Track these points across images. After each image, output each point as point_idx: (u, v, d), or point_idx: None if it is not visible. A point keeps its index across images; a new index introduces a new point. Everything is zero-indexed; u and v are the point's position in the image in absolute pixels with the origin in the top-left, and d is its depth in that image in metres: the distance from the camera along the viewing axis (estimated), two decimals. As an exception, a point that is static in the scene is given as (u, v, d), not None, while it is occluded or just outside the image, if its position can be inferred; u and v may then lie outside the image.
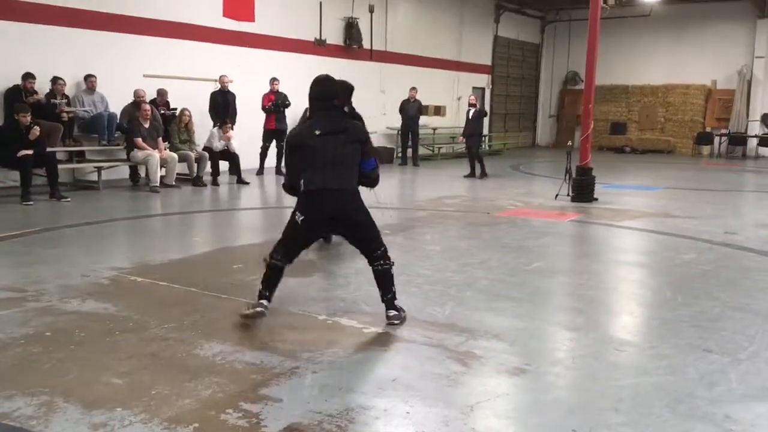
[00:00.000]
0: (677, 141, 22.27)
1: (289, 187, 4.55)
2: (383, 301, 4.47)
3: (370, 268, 4.48)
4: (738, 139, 21.01)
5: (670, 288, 5.51)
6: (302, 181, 4.33)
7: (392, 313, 4.42)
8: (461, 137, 14.32)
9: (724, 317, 4.72)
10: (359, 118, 5.63)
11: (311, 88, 4.53)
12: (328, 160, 4.29)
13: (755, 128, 21.02)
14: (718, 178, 15.26)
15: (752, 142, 20.98)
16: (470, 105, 14.19)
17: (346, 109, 5.05)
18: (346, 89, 5.54)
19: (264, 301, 4.39)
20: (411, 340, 4.10)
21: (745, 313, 4.81)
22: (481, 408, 3.24)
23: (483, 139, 14.70)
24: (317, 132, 4.32)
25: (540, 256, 6.68)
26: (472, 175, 13.78)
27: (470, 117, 13.99)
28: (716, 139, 21.35)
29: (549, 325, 4.61)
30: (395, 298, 4.47)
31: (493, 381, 3.58)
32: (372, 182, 4.60)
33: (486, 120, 14.93)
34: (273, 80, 13.30)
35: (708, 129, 21.91)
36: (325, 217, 4.37)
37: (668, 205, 10.33)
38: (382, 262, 4.44)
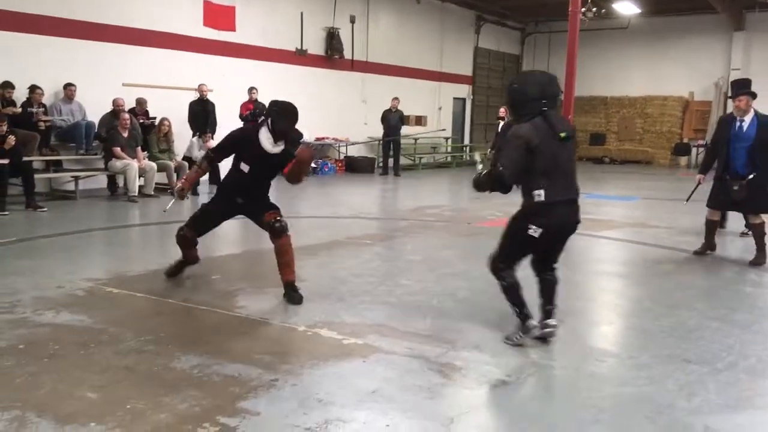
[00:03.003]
0: (655, 152, 22.51)
1: (501, 185, 4.06)
2: (543, 311, 4.30)
3: (539, 277, 4.36)
4: (715, 150, 21.23)
5: (650, 298, 5.53)
6: (541, 190, 3.97)
7: (552, 322, 4.29)
8: (490, 150, 13.87)
9: (703, 327, 4.74)
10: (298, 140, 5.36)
11: (532, 82, 4.10)
12: (568, 168, 4.08)
13: (732, 139, 21.29)
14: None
15: (729, 153, 21.26)
16: (499, 118, 13.99)
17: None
18: (291, 113, 5.14)
19: (531, 321, 4.23)
20: (391, 352, 4.07)
21: (722, 323, 4.84)
22: (462, 420, 3.21)
23: None
24: (562, 134, 3.97)
25: (520, 267, 6.68)
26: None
27: (500, 130, 13.69)
28: (693, 150, 21.62)
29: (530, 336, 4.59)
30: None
31: (474, 393, 3.56)
32: None
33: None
34: (251, 90, 13.26)
35: (685, 140, 22.17)
36: (566, 230, 4.17)
37: (646, 215, 10.41)
38: (552, 272, 4.34)
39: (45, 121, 10.32)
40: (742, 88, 6.71)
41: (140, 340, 4.17)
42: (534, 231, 4.05)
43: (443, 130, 19.94)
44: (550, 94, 4.05)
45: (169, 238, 8.38)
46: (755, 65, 20.89)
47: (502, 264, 4.28)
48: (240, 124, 13.16)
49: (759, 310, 5.30)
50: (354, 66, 17.26)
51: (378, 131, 16.71)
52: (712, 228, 7.25)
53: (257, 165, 5.12)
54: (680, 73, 21.86)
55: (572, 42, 10.63)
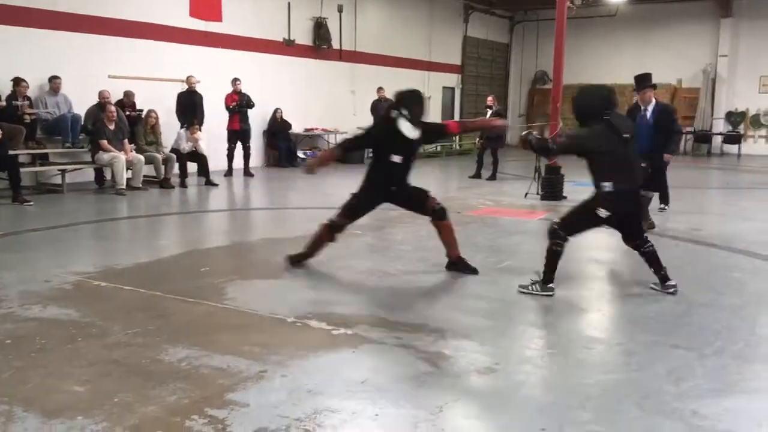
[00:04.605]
0: (644, 139, 22.54)
1: (545, 153, 5.50)
2: (659, 277, 5.15)
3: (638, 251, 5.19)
4: (703, 137, 21.34)
5: (638, 285, 5.55)
6: (609, 182, 4.85)
7: (672, 282, 5.14)
8: (479, 140, 14.12)
9: (691, 313, 4.76)
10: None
11: (594, 96, 5.10)
12: (631, 162, 4.99)
13: (720, 126, 21.40)
14: (683, 175, 15.46)
15: (717, 140, 21.35)
16: (487, 107, 14.13)
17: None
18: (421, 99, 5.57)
19: (552, 286, 5.03)
20: (380, 342, 4.07)
21: (710, 309, 4.87)
22: (451, 408, 3.22)
23: (503, 141, 14.14)
24: (625, 136, 4.89)
25: (510, 255, 6.70)
26: (477, 176, 13.52)
27: (487, 119, 13.89)
28: (682, 137, 21.67)
29: (518, 324, 4.61)
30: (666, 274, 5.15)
31: (463, 381, 3.56)
32: None
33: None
34: (235, 80, 13.15)
35: (674, 127, 22.21)
36: (631, 213, 5.09)
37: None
38: (646, 245, 5.15)
39: (30, 114, 10.22)
40: (645, 82, 7.83)
41: (128, 333, 4.15)
42: (603, 213, 4.89)
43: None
44: (610, 104, 5.00)
45: (155, 230, 8.40)
46: (743, 51, 20.98)
47: (562, 231, 5.02)
48: (226, 115, 13.13)
49: (747, 295, 5.32)
50: (342, 56, 17.18)
51: (367, 121, 16.62)
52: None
53: (405, 153, 5.56)
54: (668, 60, 21.87)
55: (560, 30, 10.61)
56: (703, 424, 3.08)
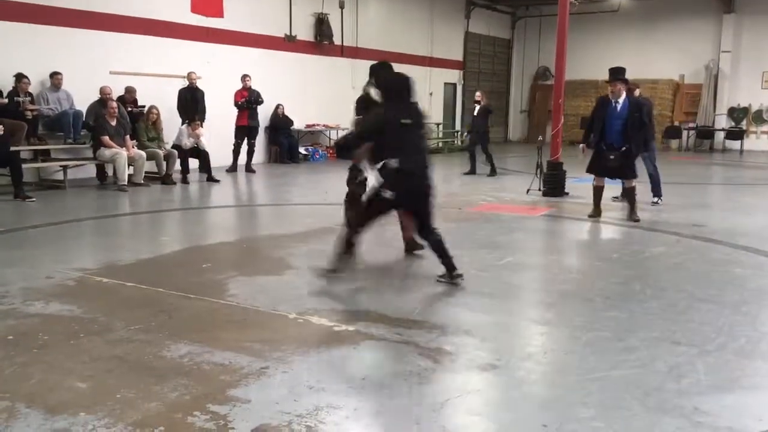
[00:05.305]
0: (646, 135, 22.49)
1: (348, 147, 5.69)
2: (446, 266, 5.23)
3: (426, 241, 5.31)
4: (705, 133, 21.31)
5: (639, 281, 5.55)
6: (395, 159, 4.95)
7: (458, 272, 5.22)
8: (466, 135, 14.21)
9: (692, 309, 4.76)
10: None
11: (393, 80, 5.44)
12: (417, 146, 5.18)
13: (722, 122, 21.36)
14: (686, 171, 15.47)
15: (719, 136, 21.32)
16: (476, 102, 14.17)
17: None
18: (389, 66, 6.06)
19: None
20: (382, 338, 4.07)
21: (712, 305, 4.87)
22: (452, 405, 3.22)
23: (488, 137, 14.27)
24: (403, 121, 5.06)
25: (511, 251, 6.70)
26: (472, 172, 13.55)
27: (475, 114, 13.94)
28: (684, 133, 21.65)
29: (520, 320, 4.62)
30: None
31: (464, 377, 3.57)
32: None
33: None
34: (245, 77, 13.23)
35: (676, 123, 22.20)
36: (415, 196, 5.14)
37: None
38: (434, 234, 5.23)
39: (32, 110, 10.22)
40: (616, 75, 8.00)
41: (130, 329, 4.16)
42: (388, 194, 4.99)
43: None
44: (405, 91, 5.21)
45: (157, 226, 8.41)
46: (745, 47, 20.93)
47: (355, 228, 5.19)
48: (235, 112, 13.18)
49: (748, 291, 5.31)
50: (344, 52, 17.16)
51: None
52: (599, 193, 8.49)
53: None
54: (670, 56, 21.84)
55: (562, 25, 10.59)
56: (704, 421, 3.08)
